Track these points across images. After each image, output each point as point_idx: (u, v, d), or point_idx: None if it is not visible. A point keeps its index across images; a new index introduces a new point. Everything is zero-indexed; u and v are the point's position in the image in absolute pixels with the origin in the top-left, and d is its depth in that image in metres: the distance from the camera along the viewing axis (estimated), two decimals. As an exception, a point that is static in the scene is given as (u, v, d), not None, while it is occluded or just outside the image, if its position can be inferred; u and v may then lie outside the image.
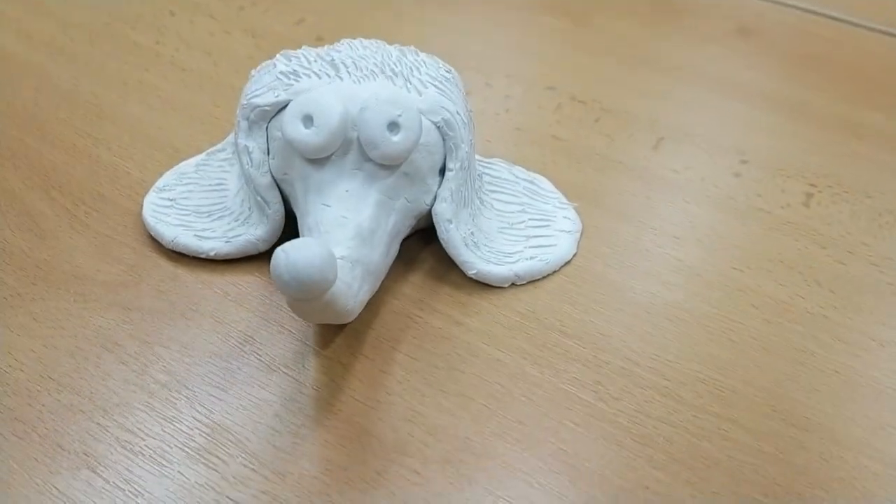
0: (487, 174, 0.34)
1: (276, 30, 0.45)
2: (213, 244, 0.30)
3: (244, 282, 0.30)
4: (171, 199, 0.32)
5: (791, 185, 0.36)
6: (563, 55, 0.44)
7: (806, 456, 0.25)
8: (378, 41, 0.31)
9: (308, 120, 0.27)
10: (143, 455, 0.25)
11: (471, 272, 0.30)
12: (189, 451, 0.25)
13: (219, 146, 0.35)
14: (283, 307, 0.29)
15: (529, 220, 0.32)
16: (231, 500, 0.24)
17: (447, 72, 0.31)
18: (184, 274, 0.30)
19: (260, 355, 0.28)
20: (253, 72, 0.31)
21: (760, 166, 0.37)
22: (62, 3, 0.47)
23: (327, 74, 0.29)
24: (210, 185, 0.33)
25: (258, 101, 0.29)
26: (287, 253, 0.22)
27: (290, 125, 0.28)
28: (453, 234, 0.30)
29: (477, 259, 0.30)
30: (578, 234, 0.32)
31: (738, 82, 0.43)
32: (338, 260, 0.25)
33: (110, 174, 0.35)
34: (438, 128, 0.29)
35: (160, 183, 0.33)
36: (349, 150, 0.28)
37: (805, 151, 0.38)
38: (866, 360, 0.28)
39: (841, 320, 0.30)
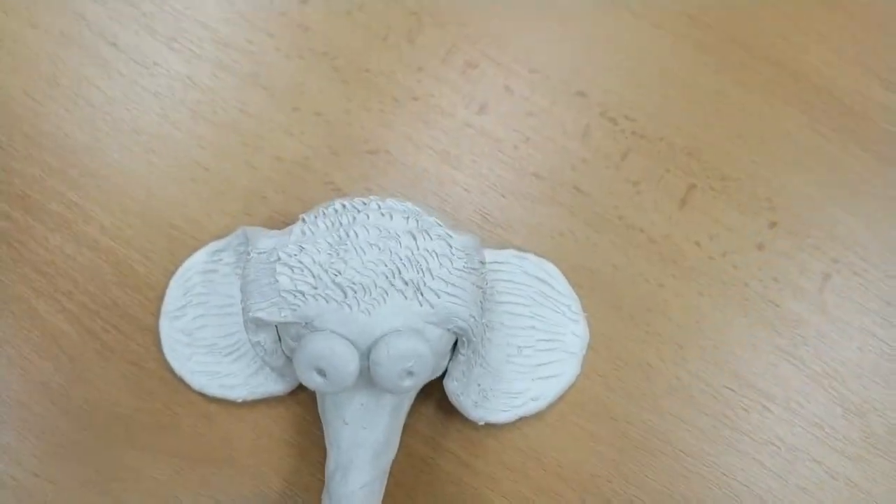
0: (499, 280, 0.33)
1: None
2: (239, 392, 0.32)
3: (272, 424, 0.33)
4: (188, 335, 0.33)
5: (812, 264, 0.35)
6: (594, 51, 0.37)
7: None
8: (385, 217, 0.28)
9: (321, 372, 0.27)
10: None
11: (480, 424, 0.32)
12: None
13: (220, 244, 0.33)
14: (311, 451, 0.32)
15: (538, 340, 0.33)
16: None
17: (461, 258, 0.28)
18: (216, 413, 0.33)
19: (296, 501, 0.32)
20: (248, 261, 0.28)
21: (791, 232, 0.35)
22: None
23: (335, 300, 0.27)
24: (221, 305, 0.33)
25: (264, 316, 0.28)
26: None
27: (304, 375, 0.27)
28: (464, 402, 0.31)
29: (486, 413, 0.32)
30: (584, 352, 0.33)
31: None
32: (360, 489, 0.28)
33: (115, 269, 0.34)
34: (453, 332, 0.29)
35: (168, 305, 0.33)
36: (363, 373, 0.28)
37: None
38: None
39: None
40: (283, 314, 0.28)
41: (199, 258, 0.33)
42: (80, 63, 0.36)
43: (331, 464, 0.29)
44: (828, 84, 0.36)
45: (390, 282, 0.28)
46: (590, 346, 0.34)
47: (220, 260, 0.33)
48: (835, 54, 0.37)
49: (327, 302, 0.27)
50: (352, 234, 0.28)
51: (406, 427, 0.33)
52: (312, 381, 0.28)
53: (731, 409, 0.33)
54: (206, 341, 0.33)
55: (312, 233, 0.28)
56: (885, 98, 0.36)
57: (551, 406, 0.33)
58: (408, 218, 0.29)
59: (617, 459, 0.33)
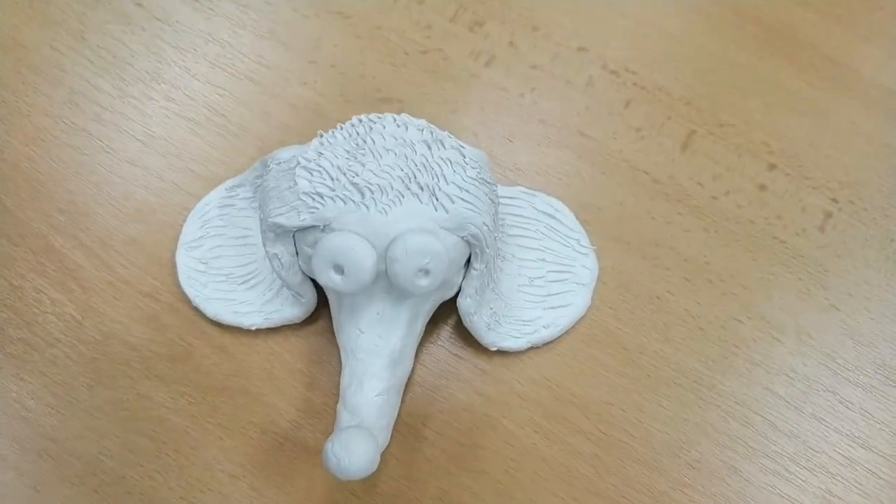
0: (510, 214, 0.34)
1: None
2: (253, 319, 0.32)
3: (285, 351, 0.33)
4: (204, 263, 0.33)
5: (813, 201, 0.36)
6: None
7: None
8: (400, 128, 0.29)
9: (339, 268, 0.28)
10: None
11: (493, 349, 0.32)
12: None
13: (237, 180, 0.34)
14: (321, 379, 0.32)
15: (549, 272, 0.34)
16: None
17: (473, 167, 0.29)
18: (229, 344, 0.33)
19: (306, 429, 0.32)
20: (269, 171, 0.29)
21: (790, 175, 0.36)
22: None
23: (353, 200, 0.28)
24: (237, 237, 0.33)
25: (283, 221, 0.29)
26: (339, 460, 0.26)
27: (322, 273, 0.28)
28: (477, 323, 0.32)
29: (498, 337, 0.32)
30: (594, 283, 0.34)
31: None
32: (376, 397, 0.28)
33: (134, 208, 0.35)
34: (466, 240, 0.29)
35: (186, 236, 0.34)
36: (379, 279, 0.29)
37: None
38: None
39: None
40: (301, 218, 0.28)
41: (216, 194, 0.34)
42: (104, 20, 0.37)
43: (346, 375, 0.29)
44: (812, 40, 0.38)
45: (406, 185, 0.28)
46: (599, 279, 0.34)
47: (237, 195, 0.34)
48: (817, 15, 0.39)
49: (345, 203, 0.28)
50: (369, 140, 0.29)
51: (419, 361, 0.33)
52: (330, 279, 0.28)
53: (742, 340, 0.33)
54: (222, 270, 0.33)
55: (331, 142, 0.29)
56: (867, 50, 0.38)
57: (563, 336, 0.33)
58: (422, 130, 0.30)
59: (629, 388, 0.33)
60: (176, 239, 0.34)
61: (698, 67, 0.38)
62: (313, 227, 0.29)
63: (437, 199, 0.28)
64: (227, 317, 0.32)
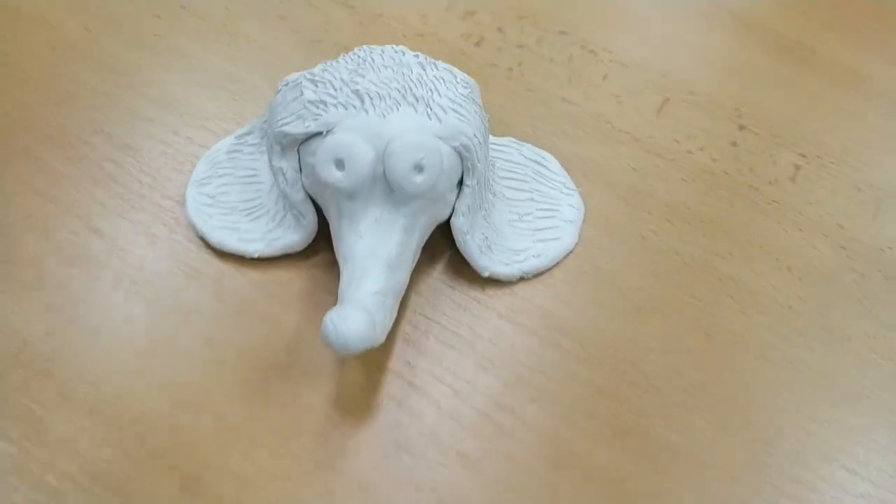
0: (500, 158, 0.36)
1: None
2: (256, 247, 0.34)
3: (285, 279, 0.34)
4: (211, 197, 0.35)
5: (783, 156, 0.38)
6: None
7: (771, 452, 0.31)
8: (400, 52, 0.32)
9: (340, 163, 0.30)
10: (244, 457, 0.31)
11: (484, 274, 0.34)
12: (265, 450, 0.31)
13: (246, 129, 0.37)
14: (319, 305, 0.33)
15: (537, 209, 0.36)
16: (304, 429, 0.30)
17: (464, 87, 0.32)
18: (232, 273, 0.34)
19: (304, 359, 0.32)
20: (278, 92, 0.32)
21: (757, 133, 0.39)
22: None
23: (353, 106, 0.31)
24: (244, 176, 0.35)
25: (289, 129, 0.31)
26: (336, 326, 0.26)
27: (324, 168, 0.30)
28: (469, 244, 0.33)
29: (490, 262, 0.34)
30: (581, 222, 0.36)
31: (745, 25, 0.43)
32: (373, 295, 0.29)
33: (147, 158, 0.37)
34: (458, 151, 0.31)
35: (197, 175, 0.36)
36: (377, 182, 0.31)
37: (800, 122, 0.40)
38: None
39: (806, 313, 0.34)
40: (306, 125, 0.31)
41: (226, 141, 0.37)
42: (141, 8, 0.42)
43: (344, 279, 0.30)
44: (775, 26, 0.43)
45: (402, 95, 0.31)
46: (586, 221, 0.36)
47: (245, 142, 0.36)
48: (781, 7, 0.43)
49: (346, 109, 0.31)
50: (368, 60, 0.32)
51: (414, 290, 0.34)
52: (332, 175, 0.30)
53: (727, 274, 0.35)
54: (228, 204, 0.35)
55: (334, 64, 0.32)
56: (826, 37, 0.42)
57: (552, 270, 0.35)
58: (417, 55, 0.33)
59: (619, 318, 0.34)
60: (186, 184, 0.36)
61: (671, 46, 0.42)
62: (317, 135, 0.31)
63: (430, 110, 0.31)
64: (232, 243, 0.34)
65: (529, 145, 0.37)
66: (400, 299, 0.32)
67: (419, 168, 0.30)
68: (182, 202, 0.36)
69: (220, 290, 0.34)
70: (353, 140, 0.30)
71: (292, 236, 0.34)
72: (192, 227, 0.35)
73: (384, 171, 0.30)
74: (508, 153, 0.37)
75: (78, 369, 0.31)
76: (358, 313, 0.27)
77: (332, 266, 0.34)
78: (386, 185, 0.31)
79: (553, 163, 0.37)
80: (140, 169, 0.37)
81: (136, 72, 0.40)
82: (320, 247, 0.35)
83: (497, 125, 0.38)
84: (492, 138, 0.37)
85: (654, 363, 0.33)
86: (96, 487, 0.29)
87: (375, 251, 0.30)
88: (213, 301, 0.33)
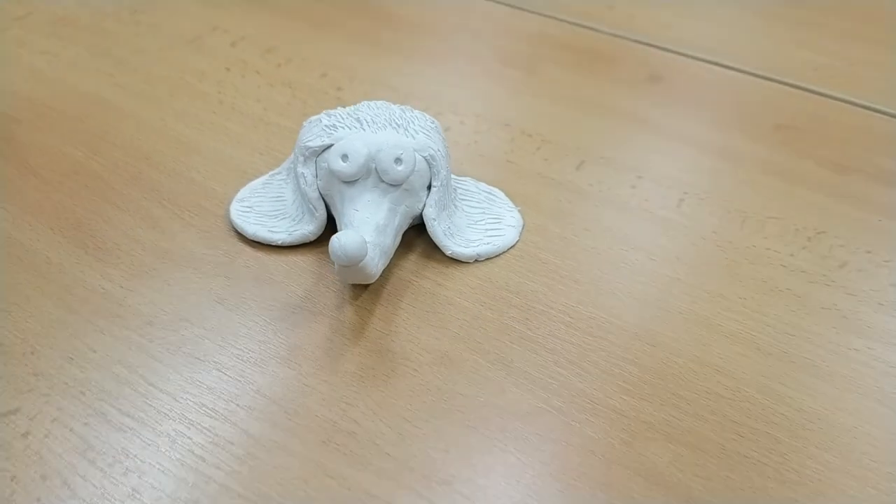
0: (460, 188, 0.50)
1: (306, 82, 0.61)
2: (280, 236, 0.46)
3: (301, 260, 0.46)
4: (248, 207, 0.48)
5: (668, 192, 0.52)
6: (517, 99, 0.61)
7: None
8: (386, 102, 0.47)
9: (345, 157, 0.43)
10: (248, 360, 0.40)
11: (448, 252, 0.46)
12: (279, 359, 0.41)
13: (277, 170, 0.51)
14: (326, 277, 0.45)
15: (488, 218, 0.49)
16: (307, 385, 0.39)
17: (431, 122, 0.47)
18: (261, 256, 0.46)
19: (314, 304, 0.43)
20: (304, 123, 0.47)
21: (652, 180, 0.53)
22: (143, 61, 0.62)
23: (354, 127, 0.45)
24: (273, 196, 0.49)
25: (310, 144, 0.45)
26: (339, 238, 0.38)
27: (333, 161, 0.44)
28: (436, 228, 0.46)
29: (452, 244, 0.46)
30: (521, 228, 0.49)
31: (645, 118, 0.59)
32: (362, 236, 0.41)
33: (201, 189, 0.50)
34: (426, 160, 0.45)
35: (238, 196, 0.49)
36: (370, 175, 0.44)
37: (684, 171, 0.54)
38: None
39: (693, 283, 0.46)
40: (322, 140, 0.45)
41: (262, 178, 0.50)
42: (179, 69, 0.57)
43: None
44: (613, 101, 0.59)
45: (388, 122, 0.45)
46: (525, 230, 0.49)
47: (276, 178, 0.50)
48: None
49: (350, 129, 0.45)
50: (364, 105, 0.47)
51: (397, 265, 0.46)
52: (339, 165, 0.43)
53: (626, 262, 0.47)
54: (262, 210, 0.48)
55: (340, 108, 0.47)
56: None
57: (500, 257, 0.47)
58: (395, 104, 0.48)
59: (550, 284, 0.45)
60: (227, 209, 0.49)
61: (582, 128, 0.57)
62: (329, 146, 0.45)
63: (407, 131, 0.45)
64: (263, 233, 0.46)
65: (483, 184, 0.51)
66: (387, 260, 0.43)
67: (399, 161, 0.44)
68: (225, 220, 0.48)
69: (252, 266, 0.45)
70: (354, 142, 0.44)
71: (308, 227, 0.46)
72: (233, 226, 0.47)
73: (375, 167, 0.44)
74: (467, 185, 0.50)
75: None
76: (353, 232, 0.39)
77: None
78: (376, 179, 0.44)
79: (499, 193, 0.51)
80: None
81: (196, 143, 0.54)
82: (327, 241, 0.47)
83: (460, 170, 0.53)
84: (455, 177, 0.51)
85: (576, 310, 0.44)
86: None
87: (367, 218, 0.43)
88: (248, 273, 0.45)
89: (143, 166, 0.52)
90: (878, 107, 0.62)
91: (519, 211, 0.50)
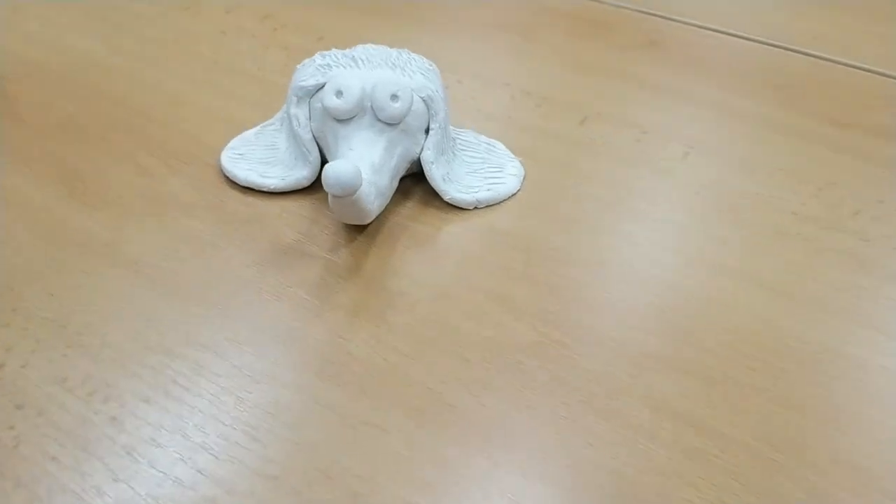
0: (459, 138, 0.49)
1: (302, 45, 0.60)
2: (272, 181, 0.45)
3: (294, 206, 0.45)
4: (241, 154, 0.47)
5: (672, 146, 0.51)
6: (516, 61, 0.60)
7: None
8: (383, 46, 0.46)
9: (339, 94, 0.42)
10: (237, 295, 0.39)
11: (446, 198, 0.45)
12: (269, 294, 0.39)
13: (270, 121, 0.49)
14: (320, 221, 0.44)
15: (488, 167, 0.47)
16: (298, 319, 0.38)
17: (429, 65, 0.46)
18: (253, 200, 0.45)
19: (307, 245, 0.42)
20: (298, 66, 0.46)
21: (656, 135, 0.52)
22: (139, 24, 0.62)
23: (349, 66, 0.44)
24: (266, 145, 0.47)
25: (303, 83, 0.44)
26: (333, 166, 0.37)
27: (328, 97, 0.42)
28: (434, 172, 0.44)
29: (451, 189, 0.45)
30: (522, 178, 0.47)
31: (645, 79, 0.58)
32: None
33: (193, 140, 0.49)
34: (424, 100, 0.44)
35: (230, 145, 0.48)
36: (365, 113, 0.43)
37: (684, 123, 0.53)
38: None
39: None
40: (316, 79, 0.44)
41: (254, 129, 0.49)
42: (193, 32, 0.56)
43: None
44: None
45: (384, 61, 0.44)
46: (526, 180, 0.47)
47: (269, 128, 0.49)
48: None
49: (344, 67, 0.44)
50: (358, 47, 0.46)
51: (393, 211, 0.44)
52: (332, 101, 0.42)
53: (627, 210, 0.46)
54: (254, 157, 0.47)
55: (335, 50, 0.46)
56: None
57: (501, 204, 0.45)
58: (392, 47, 0.47)
59: (551, 227, 0.44)
60: (219, 158, 0.48)
61: (582, 87, 0.56)
62: (323, 85, 0.44)
63: (404, 71, 0.44)
64: (255, 178, 0.45)
65: (483, 136, 0.50)
66: (383, 203, 0.42)
67: (395, 97, 0.42)
68: (218, 161, 0.47)
69: (243, 211, 0.44)
70: (348, 77, 0.43)
71: (301, 172, 0.45)
72: (224, 172, 0.46)
73: (371, 105, 0.43)
74: (467, 137, 0.49)
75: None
76: (348, 161, 0.37)
77: (330, 199, 0.45)
78: (371, 116, 0.43)
79: (500, 145, 0.49)
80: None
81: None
82: (322, 187, 0.45)
83: (460, 124, 0.52)
84: (454, 128, 0.49)
85: (577, 255, 0.42)
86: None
87: (363, 156, 0.42)
88: (239, 217, 0.44)
89: (135, 119, 0.51)
90: (875, 68, 0.61)
91: (520, 161, 0.48)
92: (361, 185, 0.38)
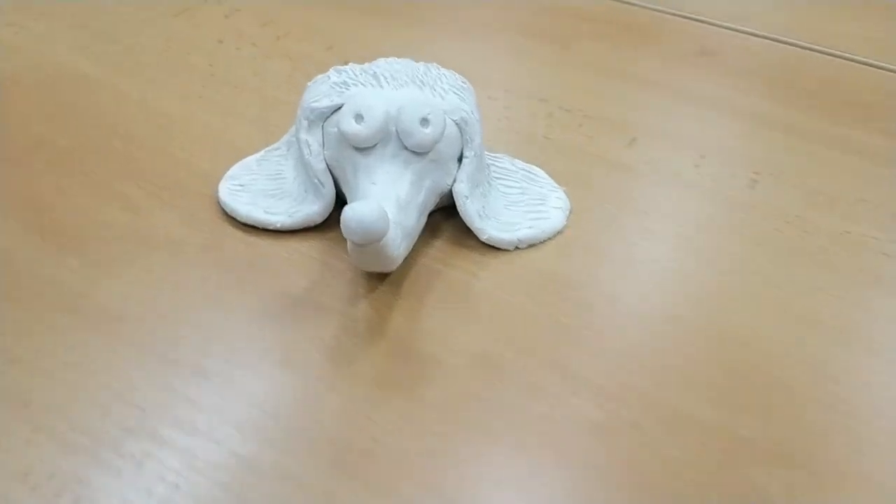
0: (493, 165, 0.42)
1: (309, 55, 0.53)
2: (279, 218, 0.38)
3: (304, 247, 0.38)
4: (241, 185, 0.40)
5: (737, 172, 0.44)
6: (552, 73, 0.53)
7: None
8: (407, 60, 0.39)
9: (359, 118, 0.35)
10: (238, 364, 0.32)
11: (483, 237, 0.38)
12: (276, 363, 0.32)
13: (275, 145, 0.43)
14: (335, 266, 0.37)
15: (528, 199, 0.41)
16: (312, 395, 0.31)
17: (463, 82, 0.39)
18: (256, 240, 0.38)
19: (320, 296, 0.35)
20: (309, 83, 0.39)
21: (717, 158, 0.45)
22: (124, 32, 0.55)
23: (371, 84, 0.37)
24: (270, 174, 0.41)
25: (316, 105, 0.37)
26: (354, 208, 0.30)
27: (345, 122, 0.36)
28: (469, 207, 0.38)
29: (488, 227, 0.38)
30: (568, 211, 0.41)
31: (700, 93, 0.51)
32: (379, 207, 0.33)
33: (185, 168, 0.42)
34: (457, 124, 0.37)
35: (229, 173, 0.41)
36: (389, 141, 0.36)
37: (752, 148, 0.46)
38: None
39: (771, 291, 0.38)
40: (331, 99, 0.37)
41: (257, 154, 0.42)
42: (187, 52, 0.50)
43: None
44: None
45: (411, 79, 0.37)
46: (572, 213, 0.41)
47: (274, 153, 0.42)
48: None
49: (365, 86, 0.37)
50: (381, 61, 0.39)
51: (421, 251, 0.38)
52: (352, 127, 0.35)
53: (685, 250, 0.39)
54: (257, 189, 0.40)
55: (352, 65, 0.39)
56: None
57: (545, 242, 0.39)
58: (416, 61, 0.40)
59: (607, 272, 0.37)
60: (216, 186, 0.41)
61: (629, 103, 0.49)
62: (340, 107, 0.37)
63: (434, 90, 0.37)
64: (259, 214, 0.38)
65: (519, 160, 0.43)
66: (410, 244, 0.35)
67: (426, 122, 0.36)
68: (212, 199, 0.40)
69: (245, 254, 0.37)
70: (370, 99, 0.36)
71: (312, 207, 0.38)
72: (223, 206, 0.39)
73: (396, 130, 0.36)
74: (502, 162, 0.42)
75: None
76: (371, 201, 0.30)
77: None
78: (396, 144, 0.36)
79: (539, 171, 0.43)
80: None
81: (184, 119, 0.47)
82: (336, 224, 0.39)
83: (493, 148, 0.45)
84: (487, 153, 0.43)
85: (639, 307, 0.36)
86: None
87: (387, 192, 0.35)
88: (240, 261, 0.37)
89: (118, 142, 0.44)
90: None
91: (564, 191, 0.42)
92: (388, 229, 0.31)
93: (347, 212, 0.30)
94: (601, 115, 0.49)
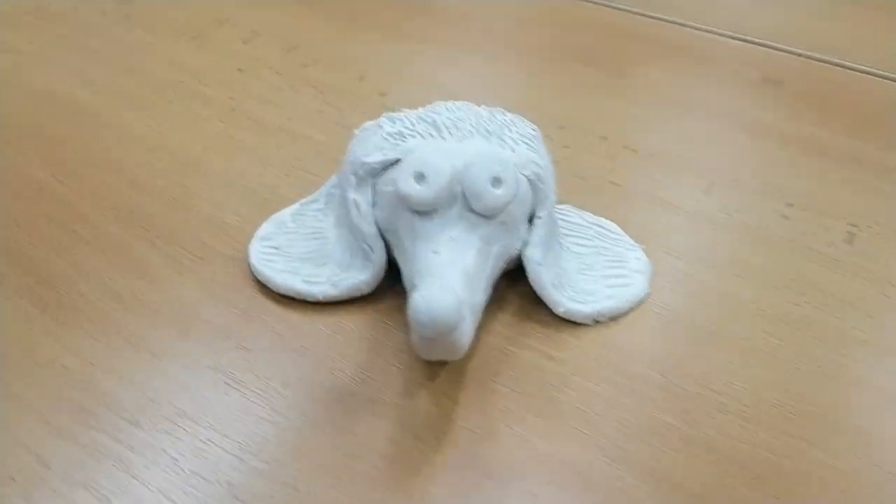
0: (561, 220, 0.37)
1: (340, 86, 0.48)
2: (322, 288, 0.33)
3: (350, 322, 0.32)
4: (276, 248, 0.35)
5: (831, 224, 0.39)
6: (608, 105, 0.48)
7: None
8: (468, 103, 0.34)
9: (420, 177, 0.30)
10: (274, 477, 0.27)
11: (559, 310, 0.33)
12: (322, 474, 0.27)
13: (311, 197, 0.37)
14: (386, 345, 0.32)
15: (605, 261, 0.35)
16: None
17: (533, 130, 0.34)
18: (294, 316, 0.33)
19: (370, 386, 0.30)
20: (356, 131, 0.34)
21: (806, 208, 0.40)
22: (131, 61, 0.49)
23: (430, 135, 0.32)
24: (309, 233, 0.35)
25: (367, 159, 0.32)
26: (425, 298, 0.25)
27: (404, 181, 0.30)
28: (543, 276, 0.32)
29: (564, 298, 0.33)
30: (650, 274, 0.35)
31: (779, 129, 0.46)
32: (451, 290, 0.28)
33: (208, 224, 0.37)
34: (530, 180, 0.32)
35: (261, 232, 0.36)
36: (454, 203, 0.31)
37: (844, 196, 0.41)
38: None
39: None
40: (385, 153, 0.32)
41: (291, 208, 0.37)
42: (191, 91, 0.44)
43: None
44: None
45: (476, 129, 0.32)
46: (655, 276, 0.35)
47: (310, 208, 0.36)
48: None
49: (423, 138, 0.32)
50: (440, 106, 0.33)
51: (485, 327, 0.32)
52: (412, 188, 0.30)
53: (798, 317, 0.34)
54: (294, 252, 0.34)
55: (407, 111, 0.34)
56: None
57: (628, 314, 0.33)
58: (484, 107, 0.34)
59: (706, 354, 0.32)
60: (245, 244, 0.35)
61: (701, 141, 0.44)
62: (393, 165, 0.31)
63: (503, 141, 0.32)
64: (297, 284, 0.33)
65: (588, 213, 0.38)
66: (477, 321, 0.30)
67: (497, 181, 0.30)
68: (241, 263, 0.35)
69: (281, 333, 0.32)
70: (433, 156, 0.30)
71: (359, 276, 0.33)
72: (255, 274, 0.34)
73: (462, 191, 0.30)
74: (570, 217, 0.37)
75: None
76: (444, 287, 0.25)
77: (400, 311, 0.33)
78: (461, 206, 0.31)
79: (612, 225, 0.37)
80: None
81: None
82: (387, 294, 0.33)
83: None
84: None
85: (742, 394, 0.30)
86: None
87: (453, 262, 0.29)
88: (275, 342, 0.32)
89: (127, 191, 0.39)
90: None
91: (643, 250, 0.36)
92: (463, 318, 0.26)
93: (419, 301, 0.25)
94: (670, 155, 0.43)
